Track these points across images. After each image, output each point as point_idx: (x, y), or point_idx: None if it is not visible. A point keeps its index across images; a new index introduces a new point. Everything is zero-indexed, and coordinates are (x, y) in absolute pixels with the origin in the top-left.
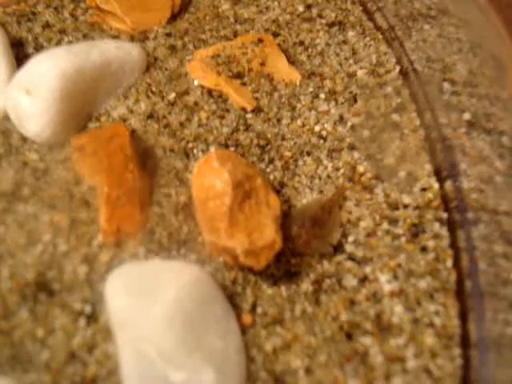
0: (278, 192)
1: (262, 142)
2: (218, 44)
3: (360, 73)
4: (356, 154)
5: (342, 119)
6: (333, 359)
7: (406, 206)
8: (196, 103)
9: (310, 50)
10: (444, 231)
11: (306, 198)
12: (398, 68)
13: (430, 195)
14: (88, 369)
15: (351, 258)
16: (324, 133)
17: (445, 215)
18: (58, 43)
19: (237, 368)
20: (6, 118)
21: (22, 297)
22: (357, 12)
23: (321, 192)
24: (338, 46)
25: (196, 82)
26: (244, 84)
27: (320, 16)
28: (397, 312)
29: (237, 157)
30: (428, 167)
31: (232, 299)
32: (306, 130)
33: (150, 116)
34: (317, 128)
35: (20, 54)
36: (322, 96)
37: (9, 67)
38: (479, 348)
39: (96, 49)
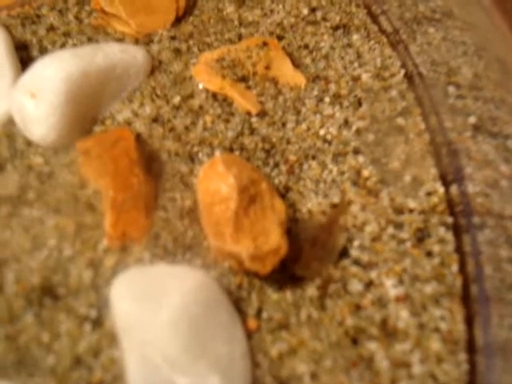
0: (282, 196)
1: (266, 146)
2: (222, 47)
3: (365, 76)
4: (361, 158)
5: (346, 123)
6: (338, 364)
7: (411, 211)
8: (201, 107)
9: (314, 53)
10: (449, 236)
11: (310, 202)
12: (402, 71)
13: (435, 199)
14: (93, 374)
15: (356, 262)
16: (329, 137)
17: (450, 220)
18: (63, 46)
19: (242, 373)
20: (11, 121)
21: (27, 301)
22: (361, 15)
23: (326, 196)
24: (343, 50)
25: (201, 86)
26: (249, 87)
27: (324, 19)
28: (402, 317)
29: (242, 161)
30: (433, 171)
31: (237, 304)
32: (310, 133)
33: (155, 120)
34: (322, 132)
35: (24, 57)
36: (327, 100)
37: (13, 70)
38: (485, 353)
39: (101, 52)
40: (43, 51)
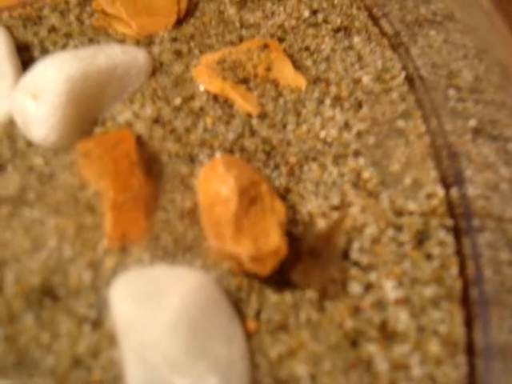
0: (283, 198)
1: (267, 148)
2: (223, 49)
3: (365, 79)
4: (361, 160)
5: (347, 125)
6: (338, 366)
7: (411, 213)
8: (202, 108)
9: (315, 55)
10: (449, 238)
11: (310, 204)
12: (403, 74)
13: (435, 202)
14: (93, 374)
15: (356, 264)
16: (329, 139)
17: (450, 222)
18: (64, 47)
19: (241, 375)
20: (12, 122)
21: (27, 302)
22: (362, 17)
23: (326, 198)
24: (344, 52)
25: (202, 87)
26: (249, 89)
27: (326, 21)
28: (402, 319)
29: (242, 163)
30: (433, 174)
31: (237, 305)
32: (311, 135)
33: (156, 121)
34: (322, 134)
35: (26, 58)
36: (328, 102)
37: (15, 71)
38: (484, 356)
39: (102, 53)
40: (44, 52)
